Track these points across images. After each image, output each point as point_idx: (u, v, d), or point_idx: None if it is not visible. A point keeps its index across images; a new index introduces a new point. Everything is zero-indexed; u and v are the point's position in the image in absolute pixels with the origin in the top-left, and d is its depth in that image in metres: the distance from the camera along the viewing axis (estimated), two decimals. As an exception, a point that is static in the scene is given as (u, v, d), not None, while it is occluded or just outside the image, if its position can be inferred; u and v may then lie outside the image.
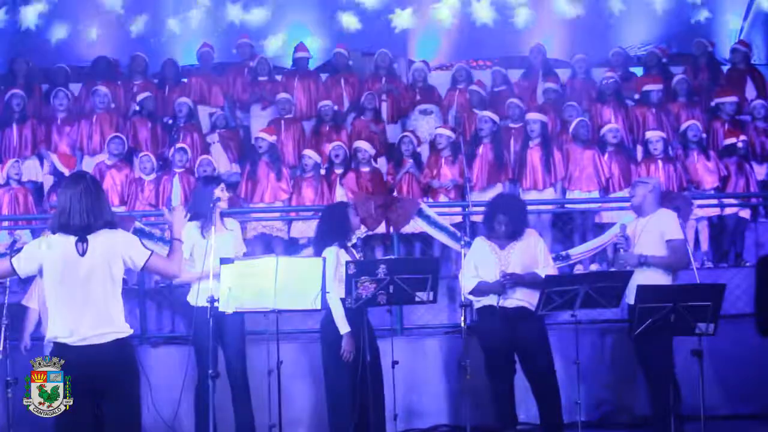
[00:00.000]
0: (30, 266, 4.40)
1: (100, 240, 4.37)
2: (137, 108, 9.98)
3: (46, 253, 4.36)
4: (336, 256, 6.09)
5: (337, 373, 6.11)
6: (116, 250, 4.40)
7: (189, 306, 6.14)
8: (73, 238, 4.34)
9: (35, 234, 8.04)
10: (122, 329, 4.42)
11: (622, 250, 6.35)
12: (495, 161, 9.00)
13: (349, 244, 6.32)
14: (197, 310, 5.80)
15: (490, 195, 8.07)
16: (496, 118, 9.22)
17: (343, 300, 5.91)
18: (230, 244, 6.18)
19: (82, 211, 4.34)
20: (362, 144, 9.11)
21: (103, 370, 4.31)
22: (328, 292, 5.83)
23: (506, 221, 6.39)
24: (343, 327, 6.04)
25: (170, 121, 9.74)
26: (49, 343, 4.43)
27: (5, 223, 8.47)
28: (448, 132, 9.10)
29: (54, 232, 4.39)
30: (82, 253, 4.33)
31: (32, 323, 6.95)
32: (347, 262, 5.80)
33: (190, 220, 5.91)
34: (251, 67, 10.65)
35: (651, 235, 6.34)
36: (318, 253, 6.20)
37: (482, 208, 6.99)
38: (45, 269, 4.36)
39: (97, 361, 4.30)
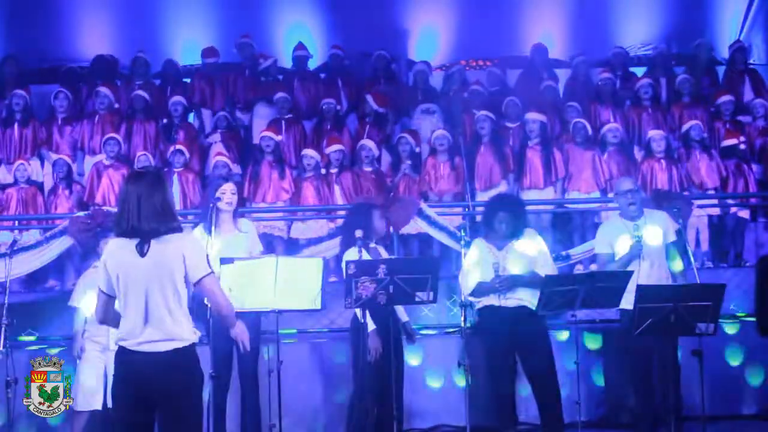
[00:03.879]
0: (106, 274, 4.15)
1: (165, 244, 4.10)
2: (131, 110, 9.91)
3: (109, 253, 4.16)
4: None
5: (365, 372, 6.03)
6: (180, 256, 4.13)
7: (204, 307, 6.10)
8: (134, 240, 4.11)
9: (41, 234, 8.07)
10: (183, 337, 4.13)
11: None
12: (497, 160, 9.01)
13: (372, 245, 6.30)
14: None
15: (494, 194, 8.08)
16: (493, 117, 9.22)
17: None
18: (242, 246, 6.14)
19: (136, 215, 4.07)
20: (368, 142, 9.10)
21: (161, 379, 4.07)
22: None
23: (507, 219, 6.38)
24: (369, 325, 6.01)
25: (165, 121, 9.73)
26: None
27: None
28: (446, 134, 9.09)
29: (115, 236, 4.17)
30: (143, 255, 4.08)
31: (81, 325, 6.48)
32: (347, 262, 5.76)
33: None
34: (253, 68, 10.61)
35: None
36: (343, 252, 6.21)
37: (483, 208, 6.98)
38: (110, 270, 4.13)
39: (155, 370, 4.06)
